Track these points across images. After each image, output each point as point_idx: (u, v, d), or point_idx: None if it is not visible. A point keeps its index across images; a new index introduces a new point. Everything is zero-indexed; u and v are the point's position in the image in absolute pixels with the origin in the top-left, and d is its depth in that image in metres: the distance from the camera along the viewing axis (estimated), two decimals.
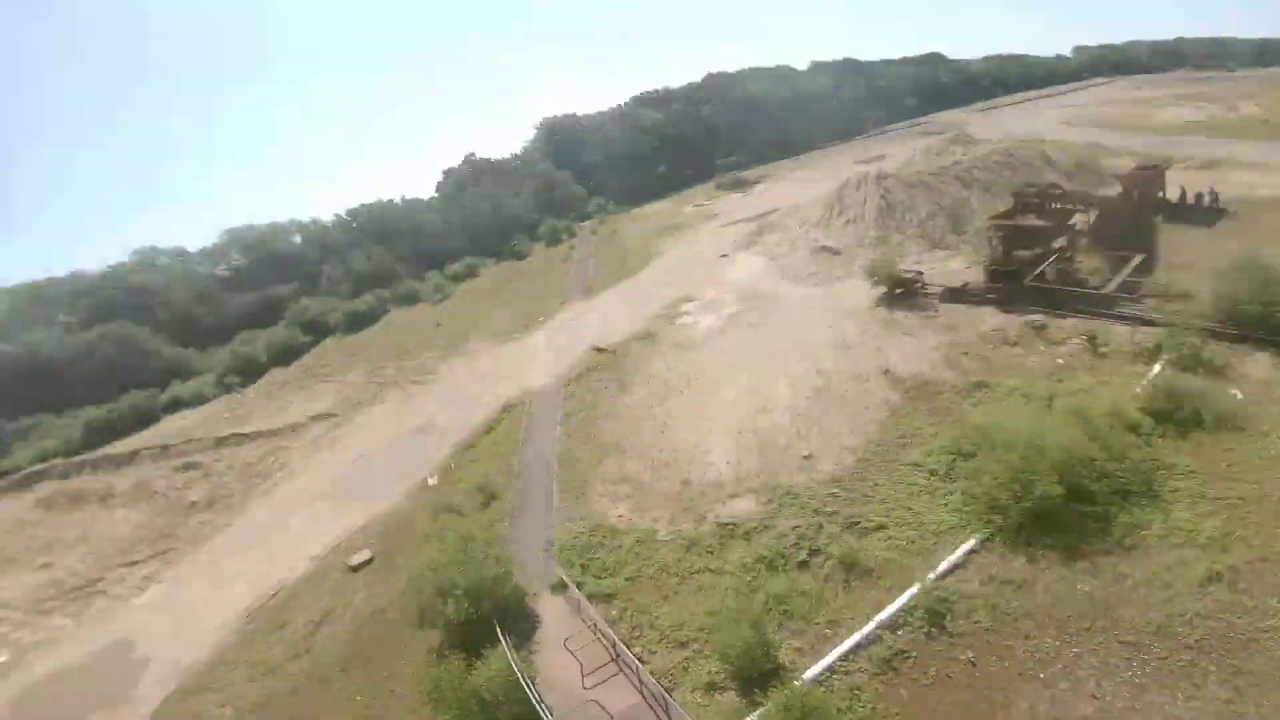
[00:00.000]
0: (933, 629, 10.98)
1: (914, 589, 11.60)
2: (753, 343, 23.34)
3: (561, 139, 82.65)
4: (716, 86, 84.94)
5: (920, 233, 31.15)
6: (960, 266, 26.43)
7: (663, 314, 28.51)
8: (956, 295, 23.55)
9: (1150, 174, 31.19)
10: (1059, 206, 25.30)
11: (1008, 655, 10.36)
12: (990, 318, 21.54)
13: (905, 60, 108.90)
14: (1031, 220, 24.34)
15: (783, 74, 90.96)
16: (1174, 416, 14.30)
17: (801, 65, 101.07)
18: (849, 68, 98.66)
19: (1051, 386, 16.76)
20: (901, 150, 51.58)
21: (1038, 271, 22.25)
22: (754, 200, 52.22)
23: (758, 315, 25.68)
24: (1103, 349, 18.39)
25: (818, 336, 22.60)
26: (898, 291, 24.35)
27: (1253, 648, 9.43)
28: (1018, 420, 13.64)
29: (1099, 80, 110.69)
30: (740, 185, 61.50)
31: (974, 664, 10.33)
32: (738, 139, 74.75)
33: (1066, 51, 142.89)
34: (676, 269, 35.99)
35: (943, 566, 12.03)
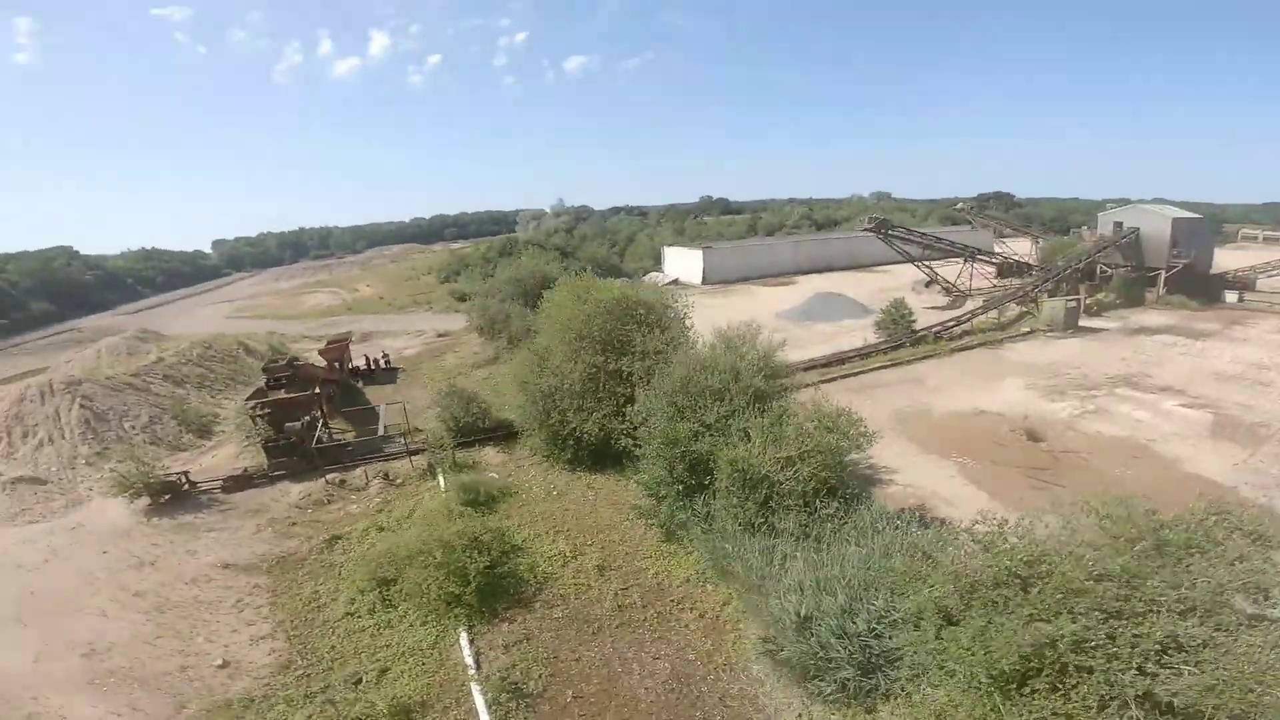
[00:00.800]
0: (519, 702, 12.21)
1: (475, 689, 12.43)
2: None
3: None
4: None
5: (151, 439, 28.52)
6: (229, 455, 26.13)
7: None
8: (242, 482, 23.35)
9: (340, 347, 39.22)
10: (303, 379, 28.71)
11: (586, 678, 12.80)
12: (292, 489, 22.64)
13: (26, 254, 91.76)
14: (286, 394, 26.68)
15: None
16: (479, 501, 19.82)
17: None
18: None
19: (388, 517, 19.90)
20: (67, 360, 44.19)
21: (315, 436, 24.85)
22: None
23: None
24: (397, 480, 22.71)
25: (94, 565, 18.03)
26: (166, 498, 22.07)
27: (667, 591, 15.23)
28: (408, 535, 16.10)
29: (241, 275, 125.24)
30: None
31: (580, 697, 12.30)
32: None
33: (206, 247, 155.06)
34: None
35: (470, 662, 13.20)
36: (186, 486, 22.82)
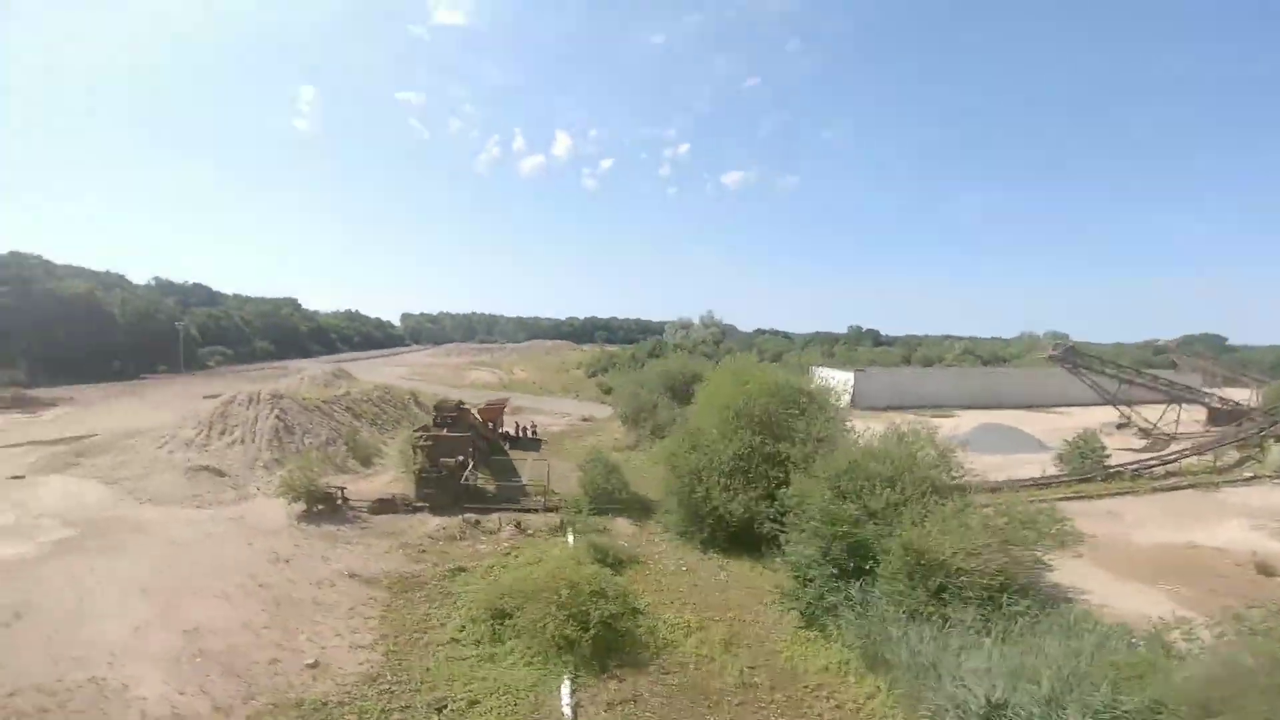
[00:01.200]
0: None
1: None
2: (126, 569, 16.97)
3: None
4: (25, 267, 62.62)
5: (323, 457, 30.61)
6: (383, 483, 27.25)
7: None
8: (387, 506, 23.98)
9: (498, 409, 41.11)
10: (464, 424, 30.16)
11: None
12: (430, 520, 22.72)
13: (262, 299, 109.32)
14: (450, 434, 28.01)
15: (113, 282, 75.50)
16: (606, 562, 18.52)
17: (141, 278, 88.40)
18: (200, 295, 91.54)
19: (514, 559, 19.17)
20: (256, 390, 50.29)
21: (464, 476, 25.47)
22: (49, 424, 39.90)
23: (115, 541, 19.01)
24: (529, 530, 22.26)
25: (236, 553, 18.56)
26: (319, 508, 23.06)
27: (801, 678, 13.21)
28: (536, 570, 15.11)
29: (419, 348, 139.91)
30: (25, 403, 45.98)
31: None
32: (18, 345, 55.62)
33: (395, 316, 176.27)
34: None
35: (568, 713, 11.72)
36: (340, 501, 23.86)
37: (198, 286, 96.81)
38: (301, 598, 16.17)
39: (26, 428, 37.47)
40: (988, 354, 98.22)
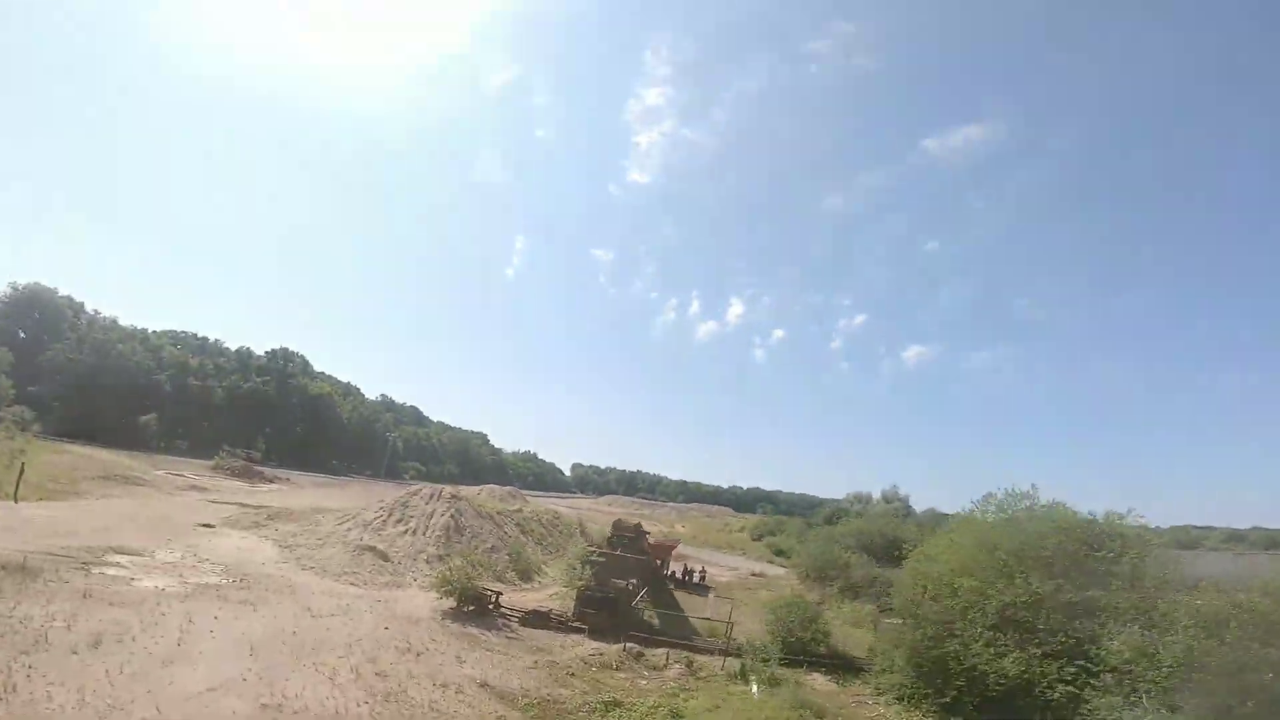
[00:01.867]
0: None
1: None
2: (250, 623, 14.50)
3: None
4: (290, 363, 73.28)
5: (485, 562, 28.20)
6: (539, 599, 23.86)
7: (64, 555, 16.94)
8: (541, 620, 20.23)
9: (668, 548, 37.34)
10: (640, 548, 26.67)
11: None
12: (586, 643, 18.45)
13: (458, 429, 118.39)
14: (625, 553, 24.60)
15: (350, 391, 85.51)
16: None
17: (371, 393, 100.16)
18: (410, 415, 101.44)
19: (685, 703, 14.54)
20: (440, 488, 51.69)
21: (636, 599, 21.39)
22: (261, 495, 42.60)
23: (257, 596, 16.99)
24: (700, 673, 17.27)
25: (366, 634, 15.53)
26: (469, 608, 19.89)
27: None
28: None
29: (581, 495, 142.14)
30: (250, 475, 49.92)
31: None
32: (263, 428, 62.87)
33: (567, 468, 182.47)
34: (111, 517, 24.05)
35: None
36: (492, 605, 20.64)
37: (412, 408, 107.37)
38: (417, 698, 12.32)
39: (241, 494, 40.18)
40: (1265, 541, 75.81)
